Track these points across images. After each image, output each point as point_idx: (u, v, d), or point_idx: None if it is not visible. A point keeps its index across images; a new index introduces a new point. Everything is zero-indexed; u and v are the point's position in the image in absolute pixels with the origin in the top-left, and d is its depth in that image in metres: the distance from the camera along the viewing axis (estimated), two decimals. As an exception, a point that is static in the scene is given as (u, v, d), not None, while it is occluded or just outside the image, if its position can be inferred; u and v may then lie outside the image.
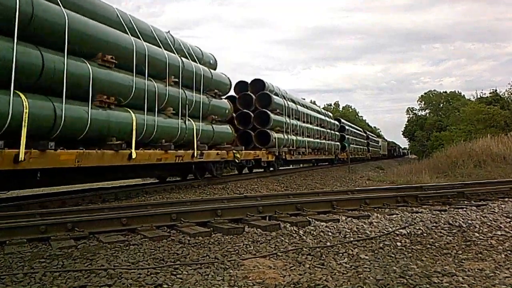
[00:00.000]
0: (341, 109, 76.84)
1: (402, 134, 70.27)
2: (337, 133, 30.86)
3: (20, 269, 3.22)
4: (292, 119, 20.12)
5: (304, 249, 3.76)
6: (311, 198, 6.57)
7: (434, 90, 65.84)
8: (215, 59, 14.05)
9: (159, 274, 3.02)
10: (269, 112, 16.83)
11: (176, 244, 3.95)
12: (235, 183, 12.87)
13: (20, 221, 4.61)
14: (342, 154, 31.37)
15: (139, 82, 9.11)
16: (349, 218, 5.22)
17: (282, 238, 4.21)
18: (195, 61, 12.28)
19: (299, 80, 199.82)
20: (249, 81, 18.05)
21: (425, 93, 66.61)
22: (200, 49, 13.21)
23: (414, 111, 67.37)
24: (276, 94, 18.62)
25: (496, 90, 36.86)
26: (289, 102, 20.22)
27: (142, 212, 5.12)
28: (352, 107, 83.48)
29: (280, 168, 19.86)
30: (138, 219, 4.77)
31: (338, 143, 30.42)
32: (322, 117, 27.67)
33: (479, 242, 4.07)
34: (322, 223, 4.89)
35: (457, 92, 63.00)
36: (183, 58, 11.36)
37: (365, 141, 44.94)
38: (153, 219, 4.80)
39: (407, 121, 67.25)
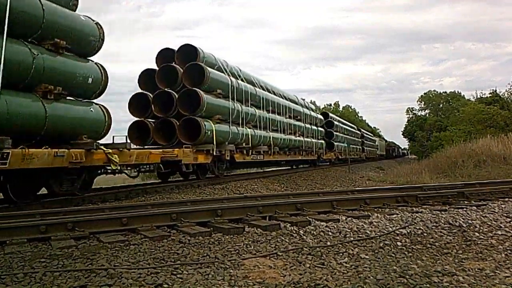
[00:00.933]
0: (341, 109, 76.83)
1: (402, 134, 70.18)
2: (321, 129, 26.34)
3: (20, 269, 3.22)
4: (249, 106, 15.28)
5: (304, 248, 3.76)
6: (311, 198, 6.58)
7: (434, 90, 65.85)
8: None
9: (159, 274, 3.02)
10: (200, 92, 11.84)
11: (176, 244, 3.95)
12: (235, 183, 12.87)
13: (21, 221, 4.62)
14: (329, 154, 27.34)
15: None
16: (349, 218, 5.22)
17: (282, 238, 4.21)
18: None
19: (299, 80, 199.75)
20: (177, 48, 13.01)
21: (424, 93, 66.59)
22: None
23: (414, 111, 67.37)
24: (220, 69, 13.71)
25: (496, 90, 36.93)
26: (241, 82, 14.95)
27: (142, 212, 5.12)
28: (352, 107, 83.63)
29: (227, 173, 15.35)
30: (138, 219, 4.77)
31: (322, 141, 25.91)
32: (299, 108, 22.48)
33: (479, 242, 4.07)
34: (322, 223, 4.89)
35: (457, 92, 63.04)
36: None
37: (360, 140, 42.01)
38: (153, 219, 4.80)
39: (407, 121, 67.20)
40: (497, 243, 4.00)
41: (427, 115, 62.92)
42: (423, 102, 65.57)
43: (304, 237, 4.28)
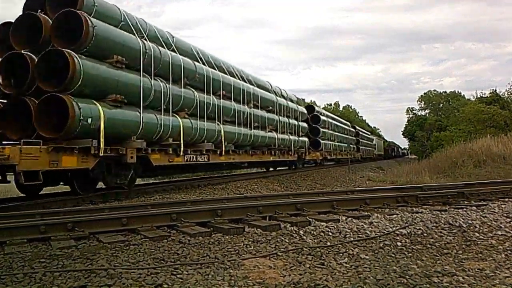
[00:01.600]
0: (341, 109, 76.83)
1: (402, 134, 70.20)
2: (304, 124, 22.00)
3: (20, 269, 3.22)
4: (181, 86, 10.82)
5: (304, 249, 3.76)
6: (311, 198, 6.58)
7: (434, 90, 65.97)
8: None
9: (159, 274, 3.02)
10: (72, 54, 7.44)
11: (176, 244, 3.95)
12: (235, 183, 12.87)
13: (21, 221, 4.61)
14: (314, 154, 23.28)
15: None
16: (349, 218, 5.22)
17: (282, 238, 4.21)
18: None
19: (299, 80, 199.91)
20: None
21: (424, 93, 66.72)
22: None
23: (414, 111, 67.40)
24: (128, 29, 9.30)
25: (496, 90, 36.92)
26: (170, 52, 10.61)
27: (142, 212, 5.12)
28: (352, 107, 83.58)
29: (143, 184, 12.15)
30: (138, 219, 4.77)
31: (305, 138, 21.81)
32: (272, 97, 17.76)
33: (479, 242, 4.07)
34: (322, 223, 4.89)
35: (457, 92, 63.05)
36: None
37: (354, 138, 38.35)
38: (153, 219, 4.80)
39: (407, 121, 67.23)
40: (497, 243, 4.01)
41: (427, 115, 62.97)
42: (423, 102, 65.67)
43: (304, 237, 4.27)
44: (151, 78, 9.66)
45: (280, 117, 18.10)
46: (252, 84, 16.18)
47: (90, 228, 4.47)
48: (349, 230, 4.55)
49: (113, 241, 4.04)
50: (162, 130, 9.81)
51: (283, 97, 19.89)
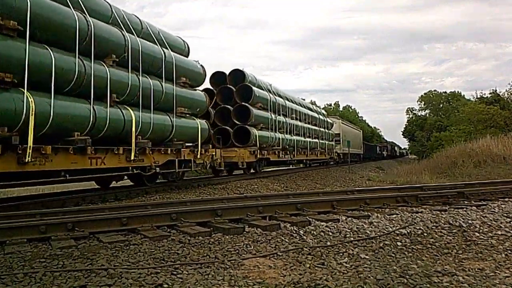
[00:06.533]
0: (341, 109, 76.82)
1: (402, 134, 70.16)
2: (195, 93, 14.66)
3: (20, 269, 3.22)
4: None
5: (304, 248, 3.76)
6: (311, 198, 6.57)
7: (435, 90, 65.82)
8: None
9: (159, 274, 3.02)
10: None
11: (176, 244, 3.95)
12: (235, 183, 12.87)
13: (21, 221, 4.61)
14: (234, 151, 15.31)
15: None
16: (349, 218, 5.22)
17: (282, 238, 4.21)
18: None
19: (300, 80, 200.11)
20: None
21: (425, 93, 66.62)
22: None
23: (414, 111, 67.37)
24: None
25: (496, 90, 36.89)
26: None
27: (142, 212, 5.12)
28: (352, 107, 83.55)
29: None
30: (138, 219, 4.77)
31: (198, 122, 12.09)
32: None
33: (479, 242, 4.07)
34: (322, 223, 4.89)
35: (457, 92, 63.02)
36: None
37: (326, 131, 26.71)
38: (153, 219, 4.80)
39: (407, 121, 67.19)
40: (497, 243, 4.01)
41: (427, 115, 62.94)
42: (423, 102, 65.59)
43: (304, 237, 4.27)
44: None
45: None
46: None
47: (90, 228, 4.47)
48: (349, 230, 4.55)
49: (113, 241, 4.05)
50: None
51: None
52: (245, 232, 4.45)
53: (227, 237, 4.24)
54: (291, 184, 15.45)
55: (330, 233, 4.45)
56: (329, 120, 29.35)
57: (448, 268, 3.16)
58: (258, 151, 15.63)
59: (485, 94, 38.02)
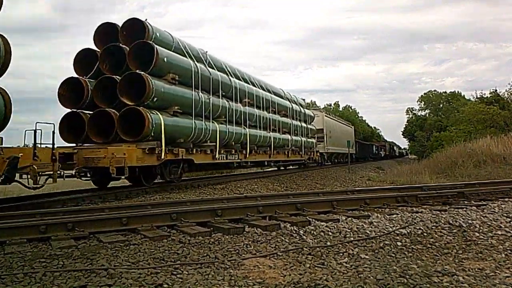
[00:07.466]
0: (341, 109, 76.81)
1: (402, 134, 70.16)
2: None
3: (20, 269, 3.22)
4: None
5: (304, 248, 3.76)
6: (311, 198, 6.58)
7: (435, 90, 65.86)
8: None
9: (159, 274, 3.02)
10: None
11: (176, 244, 3.95)
12: (235, 183, 12.87)
13: (21, 221, 4.61)
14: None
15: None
16: (349, 218, 5.21)
17: (282, 238, 4.21)
18: None
19: (300, 80, 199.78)
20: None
21: (425, 93, 66.63)
22: None
23: (414, 112, 67.38)
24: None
25: (496, 90, 36.88)
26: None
27: (142, 212, 5.12)
28: (352, 107, 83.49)
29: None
30: (138, 219, 4.77)
31: None
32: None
33: (479, 242, 4.07)
34: (322, 223, 4.88)
35: (457, 92, 63.02)
36: None
37: (307, 125, 22.10)
38: (153, 219, 4.80)
39: (407, 122, 67.19)
40: (497, 243, 4.00)
41: (427, 115, 62.93)
42: (423, 102, 65.60)
43: (304, 237, 4.27)
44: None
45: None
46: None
47: (90, 228, 4.48)
48: (349, 230, 4.55)
49: (113, 241, 4.05)
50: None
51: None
52: (245, 232, 4.45)
53: (227, 237, 4.24)
54: (291, 184, 15.46)
55: (330, 233, 4.45)
56: (308, 112, 23.23)
57: (448, 268, 3.16)
58: (164, 149, 9.81)
59: (485, 94, 38.06)
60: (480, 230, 4.54)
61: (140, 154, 9.29)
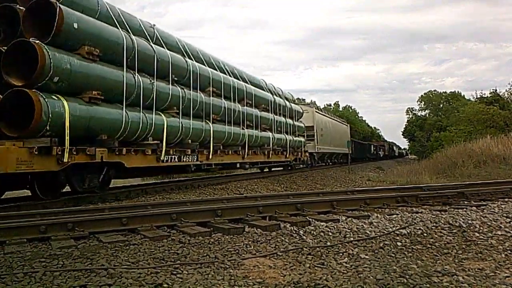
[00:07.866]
0: (341, 109, 76.83)
1: (402, 134, 70.15)
2: None
3: (20, 268, 3.22)
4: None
5: (304, 248, 3.76)
6: (311, 198, 6.58)
7: (435, 90, 65.84)
8: None
9: (159, 274, 3.02)
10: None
11: (176, 244, 3.95)
12: (235, 183, 12.88)
13: (21, 221, 4.61)
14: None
15: None
16: (349, 218, 5.21)
17: (282, 238, 4.21)
18: None
19: (301, 80, 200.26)
20: None
21: (425, 93, 66.63)
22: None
23: (414, 112, 67.38)
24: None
25: (496, 90, 36.90)
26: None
27: (142, 212, 5.12)
28: (352, 107, 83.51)
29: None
30: (138, 219, 4.77)
31: None
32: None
33: (479, 242, 4.07)
34: (322, 223, 4.89)
35: (457, 92, 63.04)
36: None
37: (296, 124, 19.68)
38: (153, 219, 4.80)
39: (407, 122, 67.18)
40: (497, 243, 4.01)
41: (427, 115, 62.94)
42: (423, 102, 65.61)
43: (304, 237, 4.28)
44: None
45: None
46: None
47: (90, 228, 4.47)
48: (349, 230, 4.55)
49: (113, 241, 4.05)
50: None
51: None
52: (245, 232, 4.45)
53: (227, 237, 4.24)
54: (291, 184, 15.46)
55: (330, 233, 4.45)
56: (296, 107, 19.97)
57: (448, 268, 3.16)
58: (68, 148, 6.91)
59: (485, 94, 38.08)
60: (480, 230, 4.54)
61: (24, 155, 6.40)
